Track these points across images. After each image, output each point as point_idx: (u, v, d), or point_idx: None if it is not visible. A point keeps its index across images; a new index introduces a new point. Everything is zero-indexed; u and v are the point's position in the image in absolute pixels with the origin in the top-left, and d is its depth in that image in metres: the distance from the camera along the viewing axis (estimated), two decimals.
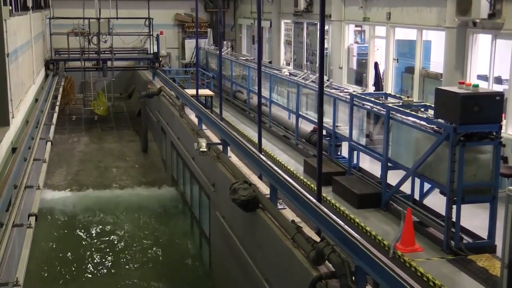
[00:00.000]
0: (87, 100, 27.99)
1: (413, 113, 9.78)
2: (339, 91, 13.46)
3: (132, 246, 15.80)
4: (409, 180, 9.90)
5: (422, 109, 10.31)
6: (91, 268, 14.68)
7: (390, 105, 10.38)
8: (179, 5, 31.65)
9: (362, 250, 6.39)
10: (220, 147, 12.93)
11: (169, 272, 14.36)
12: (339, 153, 13.21)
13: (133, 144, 25.06)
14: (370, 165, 12.25)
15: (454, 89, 8.68)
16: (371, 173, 11.68)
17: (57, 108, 18.46)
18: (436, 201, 9.44)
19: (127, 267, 14.80)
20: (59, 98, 20.41)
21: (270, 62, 24.10)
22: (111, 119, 28.65)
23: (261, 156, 10.48)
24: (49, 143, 14.28)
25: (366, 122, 11.67)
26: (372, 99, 11.27)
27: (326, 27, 19.71)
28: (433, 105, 9.37)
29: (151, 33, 27.79)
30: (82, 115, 28.50)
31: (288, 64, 24.17)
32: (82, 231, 16.86)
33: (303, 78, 15.50)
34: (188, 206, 16.83)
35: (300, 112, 15.02)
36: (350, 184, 11.06)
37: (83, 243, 16.14)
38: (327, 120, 12.78)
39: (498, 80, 13.11)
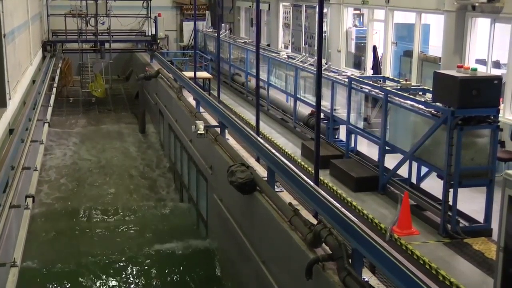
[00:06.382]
0: (85, 82, 27.92)
1: (411, 96, 9.76)
2: (337, 74, 13.44)
3: None
4: (407, 164, 9.91)
5: (420, 93, 10.29)
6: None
7: (388, 88, 10.36)
8: None
9: (359, 232, 6.42)
10: (218, 129, 12.92)
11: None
12: (337, 137, 13.22)
13: (131, 126, 25.03)
14: (367, 148, 12.25)
15: (453, 72, 8.65)
16: (368, 156, 11.69)
17: (54, 90, 18.41)
18: (433, 185, 9.46)
19: None
20: (56, 79, 20.34)
21: (268, 45, 23.99)
22: (108, 101, 28.58)
23: (259, 139, 10.48)
24: (46, 125, 14.25)
25: (364, 106, 11.66)
26: (370, 82, 11.25)
27: (325, 10, 19.61)
28: (431, 89, 9.36)
29: (149, 15, 27.65)
30: (80, 97, 28.43)
31: (286, 47, 24.05)
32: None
33: (301, 61, 15.46)
34: (185, 188, 16.85)
35: (298, 95, 14.99)
36: (347, 167, 11.06)
37: None
38: (325, 103, 12.78)
39: (497, 64, 13.08)
